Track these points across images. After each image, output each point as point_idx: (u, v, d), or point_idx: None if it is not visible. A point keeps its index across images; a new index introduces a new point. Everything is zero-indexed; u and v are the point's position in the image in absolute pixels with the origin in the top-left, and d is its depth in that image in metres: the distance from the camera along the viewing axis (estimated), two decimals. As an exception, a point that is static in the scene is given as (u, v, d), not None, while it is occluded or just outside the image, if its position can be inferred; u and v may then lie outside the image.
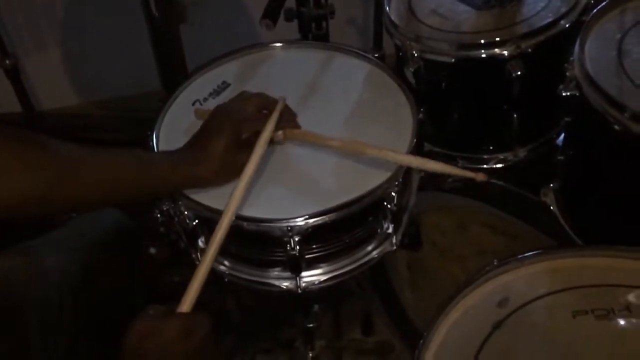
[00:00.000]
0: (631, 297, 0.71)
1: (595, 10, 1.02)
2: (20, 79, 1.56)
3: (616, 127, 0.84)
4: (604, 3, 1.03)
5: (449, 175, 1.22)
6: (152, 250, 1.15)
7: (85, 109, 1.90)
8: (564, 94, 0.92)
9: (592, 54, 0.92)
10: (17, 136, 0.77)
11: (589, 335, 0.69)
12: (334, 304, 1.35)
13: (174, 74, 1.60)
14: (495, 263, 0.76)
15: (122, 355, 0.69)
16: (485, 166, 1.20)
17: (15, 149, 0.74)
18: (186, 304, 0.74)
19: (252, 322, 1.36)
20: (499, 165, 1.20)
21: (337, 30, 1.70)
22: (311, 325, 1.17)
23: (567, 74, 0.93)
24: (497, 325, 0.71)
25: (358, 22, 1.97)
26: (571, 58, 0.94)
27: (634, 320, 0.70)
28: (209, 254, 0.79)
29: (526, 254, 0.77)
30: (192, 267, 0.83)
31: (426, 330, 0.72)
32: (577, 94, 0.90)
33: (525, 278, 0.75)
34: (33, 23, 1.80)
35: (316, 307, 1.16)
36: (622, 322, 0.70)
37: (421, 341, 0.72)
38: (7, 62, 1.49)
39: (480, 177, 0.84)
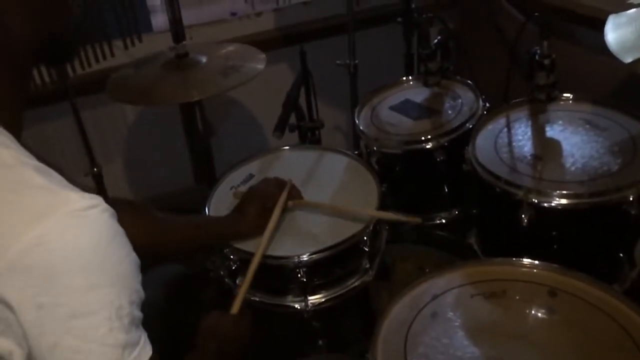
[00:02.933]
0: (505, 286, 1.03)
1: (482, 117, 1.37)
2: (103, 182, 1.75)
3: (497, 189, 1.18)
4: (488, 112, 1.39)
5: (407, 230, 1.56)
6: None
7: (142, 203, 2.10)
8: (465, 169, 1.25)
9: (479, 144, 1.28)
10: (132, 205, 1.11)
11: (480, 307, 1.01)
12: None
13: (206, 174, 1.87)
14: (427, 271, 1.12)
15: (200, 336, 0.98)
16: (430, 223, 1.47)
17: (132, 214, 1.04)
18: (235, 308, 1.06)
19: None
20: (442, 221, 1.48)
21: (329, 136, 1.99)
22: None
23: (466, 156, 1.26)
24: (426, 305, 1.02)
25: (342, 130, 2.29)
26: (466, 147, 1.27)
27: (506, 299, 1.01)
28: (249, 275, 1.10)
29: (447, 266, 1.09)
30: (231, 299, 1.08)
31: (380, 316, 1.00)
32: (471, 169, 1.23)
33: (446, 278, 1.07)
34: (104, 141, 2.04)
35: (321, 342, 1.32)
36: (499, 299, 1.01)
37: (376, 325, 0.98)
38: (95, 169, 1.72)
39: (416, 219, 1.20)
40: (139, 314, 0.67)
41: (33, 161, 0.66)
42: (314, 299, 1.21)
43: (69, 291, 0.61)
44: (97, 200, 0.64)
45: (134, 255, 0.68)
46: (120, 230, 0.67)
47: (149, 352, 0.67)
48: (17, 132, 0.69)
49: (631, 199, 1.08)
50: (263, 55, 1.57)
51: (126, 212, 0.99)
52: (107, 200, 0.66)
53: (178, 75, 1.48)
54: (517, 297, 1.02)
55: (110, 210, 0.66)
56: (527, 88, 1.33)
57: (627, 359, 0.89)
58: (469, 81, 1.55)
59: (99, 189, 1.71)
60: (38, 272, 0.60)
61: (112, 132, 2.05)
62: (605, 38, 1.11)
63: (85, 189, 0.66)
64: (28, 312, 0.60)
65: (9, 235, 0.60)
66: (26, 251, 0.59)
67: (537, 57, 1.21)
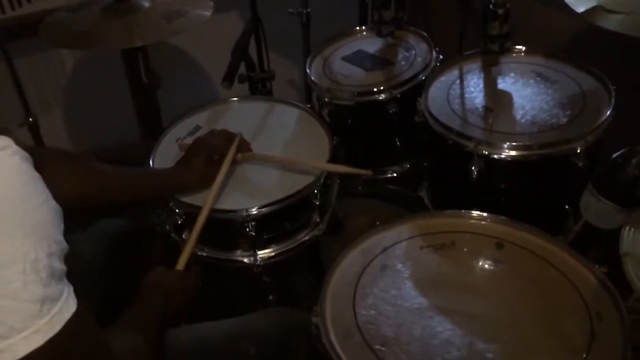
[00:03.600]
0: (454, 237, 1.04)
1: (435, 68, 1.37)
2: (39, 133, 1.64)
3: (448, 141, 1.17)
4: (441, 64, 1.38)
5: (359, 184, 1.56)
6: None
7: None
8: (417, 121, 1.25)
9: (432, 96, 1.27)
10: (68, 156, 1.06)
11: (429, 259, 1.02)
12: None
13: (152, 128, 1.77)
14: (377, 224, 1.10)
15: (143, 290, 0.96)
16: (382, 176, 1.49)
17: (70, 165, 1.02)
18: (181, 265, 1.04)
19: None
20: (394, 175, 1.49)
21: (280, 88, 1.93)
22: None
23: (418, 108, 1.26)
24: (375, 257, 1.02)
25: (295, 82, 2.23)
26: (419, 98, 1.27)
27: (455, 250, 1.03)
28: (195, 231, 1.07)
29: (397, 219, 1.10)
30: (178, 253, 1.06)
31: (329, 269, 0.99)
32: (423, 121, 1.23)
33: (396, 231, 1.07)
34: (40, 89, 1.95)
35: (271, 297, 1.32)
36: (447, 251, 1.03)
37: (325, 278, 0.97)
38: (30, 119, 1.60)
39: (366, 172, 1.19)
40: (60, 266, 0.62)
41: None
42: (263, 253, 1.20)
43: None
44: (5, 141, 0.59)
45: (53, 202, 0.62)
46: (36, 175, 0.61)
47: (72, 306, 0.62)
48: None
49: (578, 150, 1.10)
50: (210, 2, 1.50)
51: (60, 162, 1.00)
52: (36, 148, 0.61)
53: (118, 19, 1.39)
54: (466, 249, 1.03)
55: (22, 153, 0.60)
56: (480, 39, 1.32)
57: (571, 308, 0.91)
58: (423, 32, 1.52)
59: (36, 140, 1.62)
60: None
61: (49, 80, 1.95)
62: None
63: None
64: None
65: None
66: None
67: (491, 6, 1.19)
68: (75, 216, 0.87)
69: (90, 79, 1.99)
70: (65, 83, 2.00)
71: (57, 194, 0.64)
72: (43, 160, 0.66)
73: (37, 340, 0.59)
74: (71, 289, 0.64)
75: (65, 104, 2.04)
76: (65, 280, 0.63)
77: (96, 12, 1.44)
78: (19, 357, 0.58)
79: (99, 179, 1.07)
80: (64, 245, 0.63)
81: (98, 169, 1.08)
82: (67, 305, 0.62)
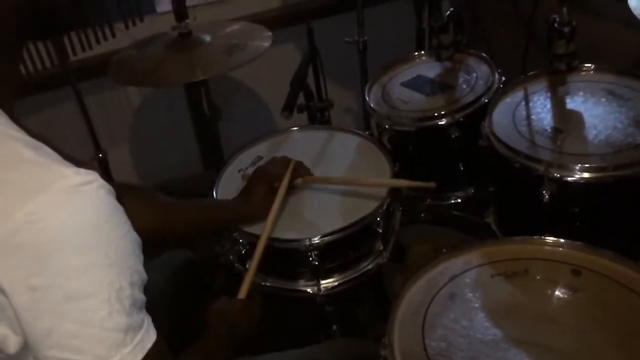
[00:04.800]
0: (527, 265, 1.00)
1: (498, 90, 1.33)
2: (109, 168, 1.72)
3: (516, 165, 1.13)
4: (505, 86, 1.34)
5: (422, 211, 1.53)
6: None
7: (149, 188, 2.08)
8: (481, 145, 1.21)
9: (496, 119, 1.23)
10: (139, 190, 1.10)
11: (501, 288, 0.97)
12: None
13: (214, 160, 1.82)
14: (444, 251, 1.06)
15: (209, 320, 0.96)
16: (445, 202, 1.45)
17: (138, 198, 1.05)
18: (242, 294, 1.04)
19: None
20: (458, 201, 1.45)
21: (339, 116, 1.97)
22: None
23: (482, 131, 1.22)
24: (444, 286, 0.99)
25: (352, 110, 2.24)
26: (483, 122, 1.24)
27: (528, 279, 0.98)
28: (255, 258, 1.06)
29: (465, 246, 1.06)
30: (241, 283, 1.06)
31: (396, 298, 0.96)
32: (488, 144, 1.19)
33: (464, 259, 1.03)
34: (108, 125, 2.01)
35: (335, 327, 1.29)
36: (520, 279, 0.98)
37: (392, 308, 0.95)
38: (100, 155, 1.69)
39: (429, 184, 1.16)
40: (141, 296, 0.64)
41: (24, 136, 0.63)
42: (326, 282, 1.19)
43: (64, 272, 0.57)
44: (92, 175, 0.61)
45: (134, 234, 0.64)
46: (119, 207, 0.63)
47: (152, 336, 0.64)
48: (7, 109, 0.66)
49: (658, 171, 1.03)
50: (269, 33, 1.54)
51: (131, 195, 1.00)
52: (112, 182, 0.63)
53: (181, 55, 1.45)
54: (539, 277, 0.98)
55: (107, 186, 0.62)
56: (545, 59, 1.28)
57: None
58: (484, 54, 1.50)
59: (105, 174, 1.68)
60: (30, 251, 0.56)
61: (117, 116, 2.02)
62: (629, 3, 1.06)
63: (80, 164, 0.62)
64: (21, 294, 0.57)
65: None
66: (16, 230, 0.56)
67: (556, 24, 1.15)
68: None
69: (155, 114, 2.06)
70: (132, 119, 2.07)
71: None
72: (119, 193, 0.68)
73: None
74: (150, 318, 0.65)
75: (132, 138, 2.11)
76: (144, 310, 0.65)
77: (160, 48, 1.50)
78: None
79: (165, 212, 1.09)
80: (144, 275, 0.65)
81: (164, 201, 1.11)
82: (147, 335, 0.63)
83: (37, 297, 0.57)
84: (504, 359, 0.85)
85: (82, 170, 0.60)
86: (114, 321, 0.59)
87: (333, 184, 1.24)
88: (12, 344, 0.60)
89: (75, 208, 0.58)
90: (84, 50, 1.50)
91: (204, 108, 1.71)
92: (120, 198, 0.64)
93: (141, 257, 0.65)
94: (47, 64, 1.50)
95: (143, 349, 0.62)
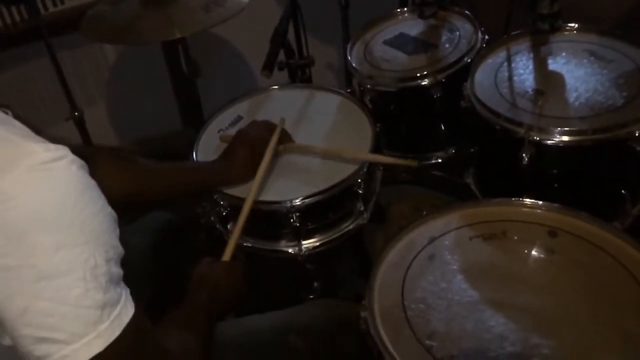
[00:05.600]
0: (505, 227, 1.01)
1: (481, 50, 1.32)
2: (85, 126, 1.67)
3: (496, 127, 1.14)
4: (487, 45, 1.33)
5: (402, 170, 1.53)
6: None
7: (127, 147, 2.12)
8: (463, 106, 1.20)
9: (478, 80, 1.23)
10: (115, 154, 1.07)
11: (479, 249, 0.99)
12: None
13: (193, 117, 1.78)
14: (424, 213, 1.08)
15: (191, 285, 0.97)
16: (426, 162, 1.45)
17: (118, 163, 1.04)
18: (227, 256, 1.04)
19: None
20: (438, 161, 1.45)
21: (319, 73, 1.91)
22: (311, 297, 1.30)
23: (464, 93, 1.22)
24: (424, 248, 1.00)
25: (334, 67, 2.20)
26: (465, 83, 1.23)
27: (506, 240, 0.99)
28: (240, 222, 1.07)
29: (445, 207, 1.07)
30: (223, 244, 1.07)
31: (376, 261, 0.97)
32: (470, 106, 1.19)
33: (444, 220, 1.05)
34: (84, 83, 1.97)
35: (316, 284, 1.31)
36: (498, 241, 1.00)
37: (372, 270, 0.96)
38: (76, 114, 1.62)
39: (412, 163, 1.17)
40: (118, 271, 0.63)
41: None
42: (308, 243, 1.20)
43: (36, 251, 0.56)
44: (63, 151, 0.59)
45: (108, 209, 0.63)
46: (92, 182, 0.62)
47: (130, 310, 0.63)
48: None
49: (637, 134, 1.04)
50: (248, -12, 1.48)
51: (108, 160, 1.01)
52: (87, 149, 0.62)
53: (158, 11, 1.38)
54: (517, 238, 1.00)
55: (79, 161, 0.60)
56: (529, 18, 1.27)
57: (628, 297, 0.88)
58: (468, 12, 1.47)
59: (81, 133, 1.65)
60: (0, 232, 0.55)
61: (92, 73, 1.97)
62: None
63: (52, 139, 0.60)
64: None
65: None
66: None
67: (540, -17, 1.14)
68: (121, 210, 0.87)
69: (132, 70, 2.01)
70: (108, 75, 2.03)
71: (107, 194, 0.64)
72: (92, 160, 0.67)
73: (99, 345, 0.60)
74: (128, 292, 0.64)
75: (108, 95, 2.06)
76: (122, 284, 0.64)
77: (135, 4, 1.44)
78: None
79: (144, 176, 1.08)
80: (120, 250, 0.64)
81: (143, 165, 1.10)
82: (125, 310, 0.62)
83: (10, 276, 0.56)
84: (480, 320, 0.87)
85: (51, 146, 0.59)
86: (90, 298, 0.59)
87: (314, 153, 1.24)
88: None
89: (46, 185, 0.57)
90: (55, 5, 1.44)
91: (182, 65, 1.62)
92: (97, 163, 0.63)
93: (117, 232, 0.64)
94: (17, 18, 1.44)
95: (121, 323, 0.61)
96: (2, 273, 0.56)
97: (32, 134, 0.61)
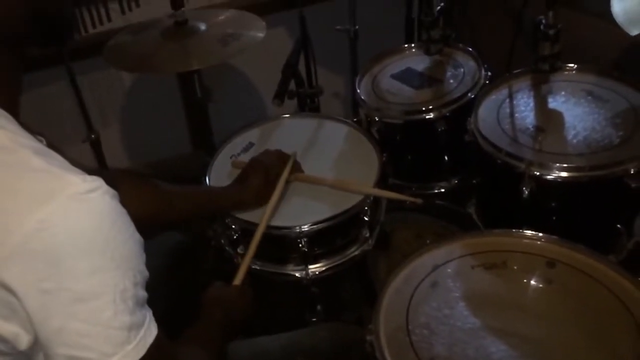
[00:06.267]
0: (506, 256, 1.05)
1: (484, 87, 1.37)
2: (101, 148, 1.73)
3: (498, 161, 1.18)
4: (490, 82, 1.38)
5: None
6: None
7: (140, 169, 2.15)
8: (467, 140, 1.25)
9: (482, 115, 1.27)
10: (137, 178, 1.12)
11: (480, 278, 1.03)
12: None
13: (204, 142, 1.87)
14: (428, 243, 1.11)
15: (204, 306, 1.00)
16: (429, 192, 1.49)
17: (139, 186, 1.08)
18: (238, 280, 1.09)
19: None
20: (441, 190, 1.49)
21: (327, 102, 1.97)
22: (314, 320, 1.32)
23: (468, 127, 1.26)
24: (427, 275, 1.03)
25: (341, 96, 2.26)
26: (469, 118, 1.27)
27: (506, 270, 1.03)
28: (252, 247, 1.11)
29: (448, 237, 1.10)
30: (232, 266, 1.13)
31: (381, 290, 1.00)
32: (474, 140, 1.23)
33: (447, 249, 1.08)
34: (101, 106, 2.02)
35: (319, 307, 1.33)
36: (499, 270, 1.03)
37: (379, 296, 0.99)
38: (93, 136, 1.69)
39: (417, 200, 1.21)
40: (143, 294, 0.67)
41: (32, 143, 0.65)
42: (314, 267, 1.23)
43: (73, 275, 0.61)
44: (98, 182, 0.64)
45: (137, 235, 0.67)
46: (123, 211, 0.66)
47: (153, 331, 0.67)
48: (14, 114, 0.68)
49: (632, 172, 1.09)
50: (263, 23, 1.55)
51: (128, 184, 1.05)
52: (109, 172, 0.65)
53: (177, 43, 1.45)
54: (516, 268, 1.04)
55: (112, 191, 0.65)
56: (531, 57, 1.32)
57: (622, 328, 0.91)
58: (471, 49, 1.53)
59: (97, 155, 1.70)
60: (41, 257, 0.59)
61: (109, 97, 2.02)
62: (612, 9, 1.10)
63: (87, 171, 0.65)
64: (32, 297, 0.60)
65: (11, 221, 0.59)
66: (29, 236, 0.59)
67: (542, 27, 1.19)
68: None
69: (147, 95, 2.06)
70: (124, 100, 2.08)
71: (129, 216, 0.69)
72: (115, 183, 0.71)
73: None
74: (151, 313, 0.69)
75: (123, 119, 2.11)
76: (146, 306, 0.68)
77: (155, 35, 1.50)
78: None
79: (163, 199, 1.12)
80: (146, 273, 0.68)
81: (163, 189, 1.14)
82: (149, 331, 0.67)
83: (48, 299, 0.60)
84: (481, 346, 0.91)
85: (88, 177, 0.63)
86: (119, 320, 0.63)
87: (322, 185, 1.27)
88: (23, 342, 0.63)
89: (84, 214, 0.61)
90: (80, 34, 1.50)
91: (196, 90, 1.71)
92: (119, 186, 0.67)
93: (143, 257, 0.68)
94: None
95: (145, 344, 0.66)
96: (42, 296, 0.60)
97: (69, 165, 0.65)
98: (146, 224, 1.05)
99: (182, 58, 1.41)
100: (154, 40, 1.47)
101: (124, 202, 0.70)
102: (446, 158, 1.48)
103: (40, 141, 0.70)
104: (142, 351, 0.65)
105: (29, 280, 0.60)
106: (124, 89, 2.05)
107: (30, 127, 0.69)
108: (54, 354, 0.63)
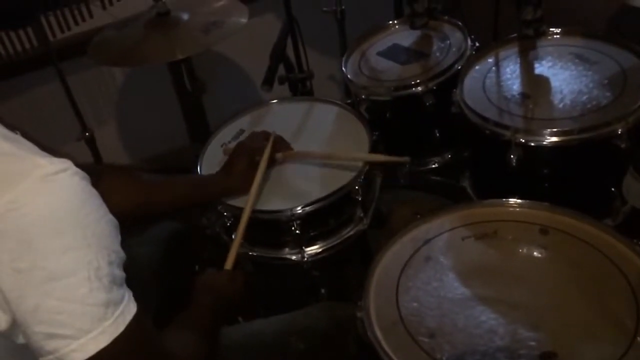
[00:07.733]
0: (497, 226, 1.05)
1: (469, 57, 1.35)
2: (97, 146, 1.72)
3: (486, 131, 1.17)
4: (476, 52, 1.37)
5: (401, 175, 1.55)
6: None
7: (137, 165, 2.18)
8: (453, 112, 1.24)
9: (467, 86, 1.26)
10: (120, 170, 1.13)
11: (471, 249, 1.02)
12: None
13: (200, 133, 1.83)
14: (418, 216, 1.12)
15: (195, 291, 1.00)
16: (423, 168, 1.49)
17: (123, 178, 1.09)
18: (228, 264, 1.09)
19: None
20: (435, 166, 1.49)
21: (321, 85, 1.95)
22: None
23: (454, 99, 1.25)
24: (418, 250, 1.04)
25: (336, 79, 2.23)
26: (454, 89, 1.27)
27: (497, 239, 1.03)
28: (239, 231, 1.11)
29: (438, 210, 1.10)
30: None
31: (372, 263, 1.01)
32: (460, 112, 1.23)
33: (438, 222, 1.08)
34: (94, 104, 2.03)
35: (323, 290, 1.33)
36: (490, 240, 1.03)
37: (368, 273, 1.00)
38: (87, 134, 1.68)
39: (404, 159, 1.20)
40: (120, 274, 0.68)
41: (2, 130, 0.66)
42: (310, 250, 1.23)
43: (45, 254, 0.62)
44: (66, 164, 0.65)
45: (110, 216, 0.68)
46: (94, 192, 0.67)
47: (132, 309, 0.68)
48: None
49: (620, 132, 1.07)
50: (245, 9, 1.54)
51: (113, 176, 1.07)
52: (96, 167, 0.66)
53: (160, 34, 1.46)
54: (509, 237, 1.03)
55: (81, 173, 0.66)
56: (517, 24, 1.30)
57: (617, 292, 0.91)
58: (458, 21, 1.51)
59: (93, 152, 1.71)
60: (13, 237, 0.61)
61: (102, 95, 2.03)
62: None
63: (55, 154, 0.66)
64: (6, 277, 0.61)
65: None
66: None
67: (523, -10, 1.18)
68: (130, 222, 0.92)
69: (140, 91, 2.07)
70: (117, 96, 2.08)
71: (113, 207, 0.70)
72: (99, 176, 0.72)
73: (104, 340, 0.65)
74: (131, 293, 0.70)
75: (118, 115, 2.12)
76: (125, 286, 0.69)
77: (139, 28, 1.51)
78: (89, 355, 0.65)
79: (148, 190, 1.13)
80: (122, 254, 0.69)
81: (147, 179, 1.15)
82: (128, 309, 0.68)
83: (22, 278, 0.62)
84: (471, 315, 0.91)
85: (55, 159, 0.65)
86: (94, 297, 0.64)
87: (312, 159, 1.27)
88: (2, 322, 0.64)
89: (53, 194, 0.63)
90: (62, 32, 1.51)
91: (186, 83, 1.72)
92: (103, 179, 0.68)
93: (118, 238, 0.69)
94: (27, 46, 1.51)
95: (124, 321, 0.67)
96: (15, 275, 0.62)
97: (38, 150, 0.66)
98: (135, 215, 1.09)
99: (166, 48, 1.41)
100: (138, 33, 1.48)
101: (110, 193, 0.71)
102: (437, 132, 1.47)
103: (15, 132, 0.71)
104: (121, 327, 0.66)
105: (3, 260, 0.61)
106: (117, 86, 2.05)
107: (5, 119, 0.70)
108: (32, 332, 0.64)
